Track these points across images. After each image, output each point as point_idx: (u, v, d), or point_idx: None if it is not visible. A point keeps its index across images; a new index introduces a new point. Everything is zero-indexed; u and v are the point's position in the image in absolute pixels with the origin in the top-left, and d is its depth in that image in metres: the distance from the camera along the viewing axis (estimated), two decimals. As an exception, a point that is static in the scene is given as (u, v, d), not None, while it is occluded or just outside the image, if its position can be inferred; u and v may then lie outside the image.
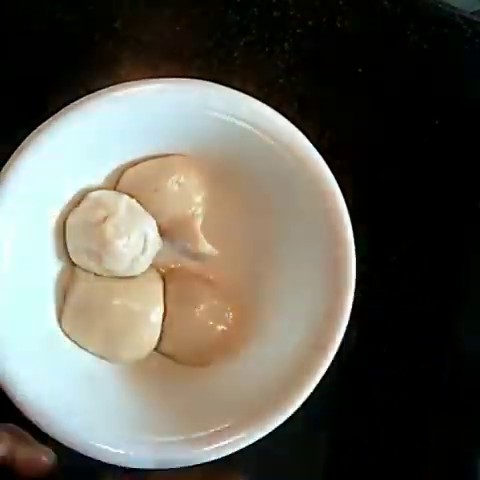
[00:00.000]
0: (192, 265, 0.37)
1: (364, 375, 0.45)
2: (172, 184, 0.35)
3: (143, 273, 0.36)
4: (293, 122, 0.42)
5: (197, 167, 0.36)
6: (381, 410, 0.45)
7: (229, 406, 0.33)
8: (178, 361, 0.36)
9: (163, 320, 0.35)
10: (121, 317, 0.34)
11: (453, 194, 0.46)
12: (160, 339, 0.35)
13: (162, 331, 0.35)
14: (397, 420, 0.45)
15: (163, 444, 0.31)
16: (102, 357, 0.35)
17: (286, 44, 0.42)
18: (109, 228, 0.33)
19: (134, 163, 0.36)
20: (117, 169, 0.36)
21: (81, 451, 0.30)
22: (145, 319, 0.35)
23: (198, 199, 0.36)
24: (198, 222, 0.36)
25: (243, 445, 0.31)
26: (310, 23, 0.42)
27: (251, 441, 0.31)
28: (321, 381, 0.43)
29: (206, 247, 0.36)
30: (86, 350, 0.35)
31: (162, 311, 0.35)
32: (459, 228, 0.46)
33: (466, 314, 0.46)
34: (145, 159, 0.36)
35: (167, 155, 0.36)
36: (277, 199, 0.35)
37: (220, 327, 0.36)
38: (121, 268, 0.34)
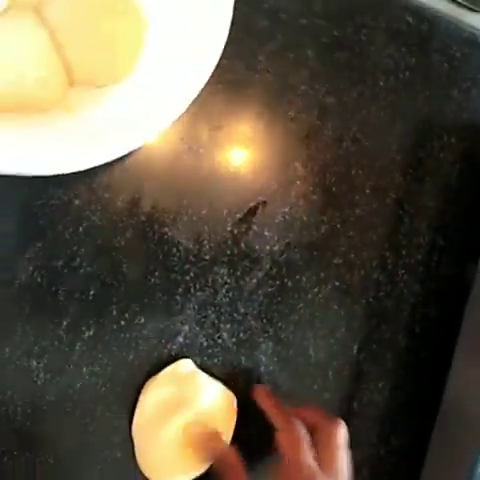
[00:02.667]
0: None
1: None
2: None
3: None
4: (313, 128, 0.43)
5: None
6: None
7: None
8: (91, 84, 0.35)
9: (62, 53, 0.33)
10: None
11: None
12: (69, 72, 0.34)
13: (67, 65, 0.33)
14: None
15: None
16: None
17: (310, 51, 0.43)
18: None
19: None
20: None
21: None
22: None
23: None
24: None
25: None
26: (335, 33, 0.43)
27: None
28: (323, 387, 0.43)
29: None
30: None
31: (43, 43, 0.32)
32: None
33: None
34: None
35: None
36: None
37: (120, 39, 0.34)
38: None
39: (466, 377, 0.45)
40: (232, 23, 0.37)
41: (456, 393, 0.45)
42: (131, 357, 0.39)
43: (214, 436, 0.38)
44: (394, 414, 0.46)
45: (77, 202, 0.37)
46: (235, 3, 0.36)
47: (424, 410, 0.46)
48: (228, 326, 0.42)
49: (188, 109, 0.40)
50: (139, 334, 0.39)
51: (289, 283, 0.43)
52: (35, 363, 0.37)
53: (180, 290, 0.40)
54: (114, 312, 0.38)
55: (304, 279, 0.43)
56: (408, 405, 0.47)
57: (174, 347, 0.40)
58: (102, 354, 0.38)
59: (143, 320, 0.39)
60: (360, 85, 0.44)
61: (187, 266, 0.40)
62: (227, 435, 0.40)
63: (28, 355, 0.37)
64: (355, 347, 0.45)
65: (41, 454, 0.38)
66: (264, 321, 0.42)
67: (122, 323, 0.39)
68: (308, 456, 0.35)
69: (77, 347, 0.38)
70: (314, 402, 0.44)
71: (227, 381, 0.41)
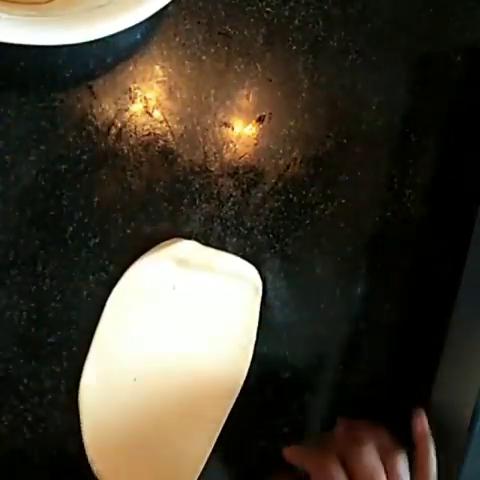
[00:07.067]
0: None
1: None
2: None
3: None
4: (318, 39, 0.41)
5: None
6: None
7: None
8: None
9: None
10: None
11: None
12: None
13: None
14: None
15: None
16: None
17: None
18: None
19: None
20: None
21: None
22: None
23: None
24: None
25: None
26: None
27: None
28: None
29: None
30: None
31: None
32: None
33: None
34: None
35: None
36: None
37: None
38: None
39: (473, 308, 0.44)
40: None
41: (463, 315, 0.45)
42: (137, 267, 0.39)
43: None
44: (401, 337, 0.46)
45: (79, 106, 0.37)
46: None
47: (432, 332, 0.46)
48: (234, 240, 0.41)
49: (192, 16, 0.39)
50: (145, 244, 0.39)
51: (295, 198, 0.42)
52: (40, 268, 0.37)
53: (185, 201, 0.40)
54: (119, 220, 0.38)
55: (310, 195, 0.43)
56: (415, 328, 0.46)
57: (180, 259, 0.40)
58: (108, 262, 0.38)
59: (149, 230, 0.39)
60: (365, -4, 0.43)
61: (191, 177, 0.40)
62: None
63: (34, 260, 0.36)
64: (362, 266, 0.45)
65: (47, 363, 0.38)
66: (270, 236, 0.42)
67: (128, 232, 0.38)
68: None
69: (83, 254, 0.37)
70: (320, 321, 0.44)
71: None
